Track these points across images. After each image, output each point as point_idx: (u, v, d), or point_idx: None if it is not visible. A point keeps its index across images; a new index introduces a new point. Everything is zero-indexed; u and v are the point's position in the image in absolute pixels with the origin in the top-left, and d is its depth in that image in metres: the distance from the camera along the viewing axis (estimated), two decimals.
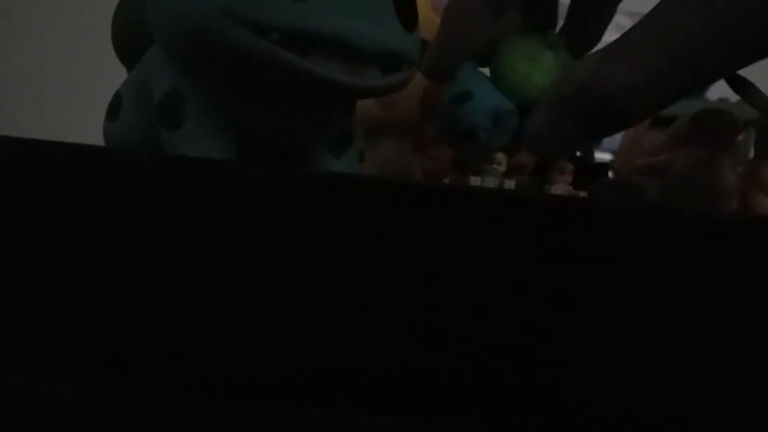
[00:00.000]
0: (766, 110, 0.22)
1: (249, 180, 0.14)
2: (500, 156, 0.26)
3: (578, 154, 0.30)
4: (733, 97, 0.23)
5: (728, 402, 0.14)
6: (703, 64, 0.16)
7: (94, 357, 0.15)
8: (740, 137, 0.27)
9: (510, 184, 0.25)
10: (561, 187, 0.23)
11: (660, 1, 0.17)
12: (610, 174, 0.30)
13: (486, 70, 0.21)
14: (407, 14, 0.17)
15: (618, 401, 0.14)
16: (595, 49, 0.21)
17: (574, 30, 0.23)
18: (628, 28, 0.17)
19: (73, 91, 0.73)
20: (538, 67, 0.20)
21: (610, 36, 0.21)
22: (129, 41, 0.21)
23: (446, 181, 0.28)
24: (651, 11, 0.17)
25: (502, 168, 0.25)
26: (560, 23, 0.23)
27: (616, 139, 0.43)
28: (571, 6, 0.24)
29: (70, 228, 0.14)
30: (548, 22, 0.23)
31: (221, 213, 0.14)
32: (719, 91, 0.26)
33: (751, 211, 0.21)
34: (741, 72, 0.18)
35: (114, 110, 0.20)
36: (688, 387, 0.14)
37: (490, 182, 0.25)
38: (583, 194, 0.24)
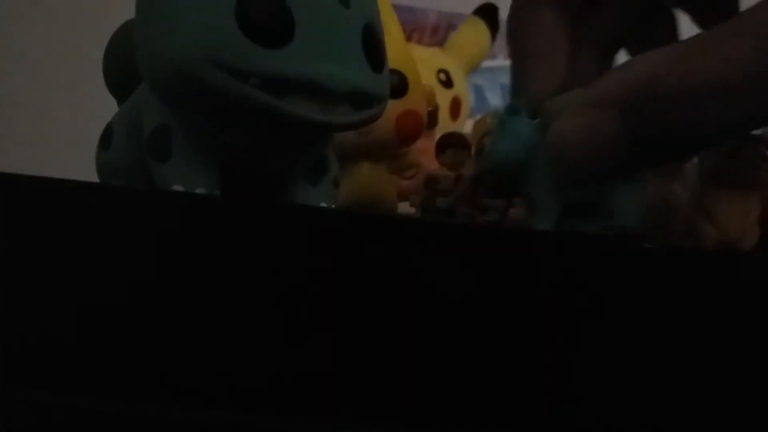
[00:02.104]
0: None
1: (231, 212, 0.15)
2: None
3: None
4: None
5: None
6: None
7: (91, 370, 0.16)
8: (693, 162, 0.29)
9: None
10: (521, 210, 0.25)
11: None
12: None
13: None
14: (375, 57, 0.19)
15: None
16: None
17: None
18: None
19: (64, 120, 0.74)
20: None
21: None
22: (120, 76, 0.22)
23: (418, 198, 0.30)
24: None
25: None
26: None
27: None
28: None
29: (63, 255, 0.16)
30: None
31: (205, 242, 0.16)
32: None
33: (696, 238, 0.22)
34: None
35: (106, 140, 0.21)
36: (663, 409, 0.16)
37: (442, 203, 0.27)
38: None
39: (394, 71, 0.26)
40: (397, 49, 0.30)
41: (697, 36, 0.14)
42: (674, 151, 0.15)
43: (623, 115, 0.14)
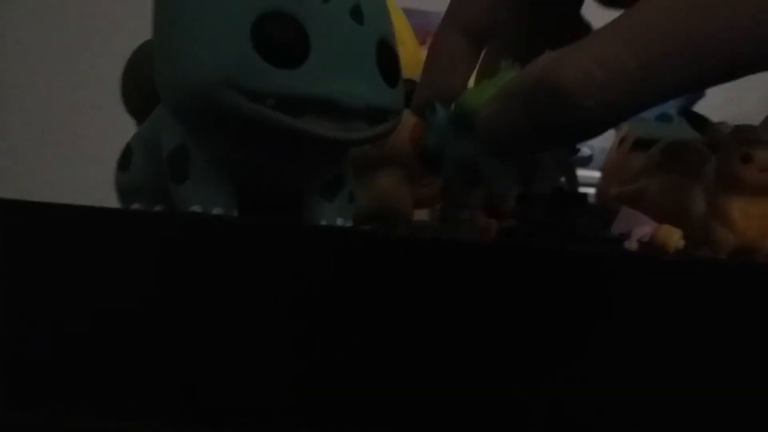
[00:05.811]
0: (725, 144, 0.23)
1: (246, 232, 0.16)
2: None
3: (563, 180, 0.32)
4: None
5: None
6: (673, 63, 0.14)
7: (92, 392, 0.16)
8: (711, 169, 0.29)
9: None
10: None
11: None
12: (593, 200, 0.31)
13: None
14: (389, 72, 0.19)
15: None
16: None
17: None
18: None
19: (82, 143, 0.75)
20: (492, 81, 0.19)
21: None
22: (138, 98, 0.23)
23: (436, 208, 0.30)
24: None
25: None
26: None
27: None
28: None
29: (76, 276, 0.16)
30: None
31: (220, 262, 0.16)
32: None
33: (714, 243, 0.22)
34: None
35: (125, 161, 0.22)
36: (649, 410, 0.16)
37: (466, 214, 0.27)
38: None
39: (408, 80, 0.26)
40: (411, 57, 0.30)
41: (586, 37, 0.16)
42: (569, 130, 0.16)
43: (528, 102, 0.16)
